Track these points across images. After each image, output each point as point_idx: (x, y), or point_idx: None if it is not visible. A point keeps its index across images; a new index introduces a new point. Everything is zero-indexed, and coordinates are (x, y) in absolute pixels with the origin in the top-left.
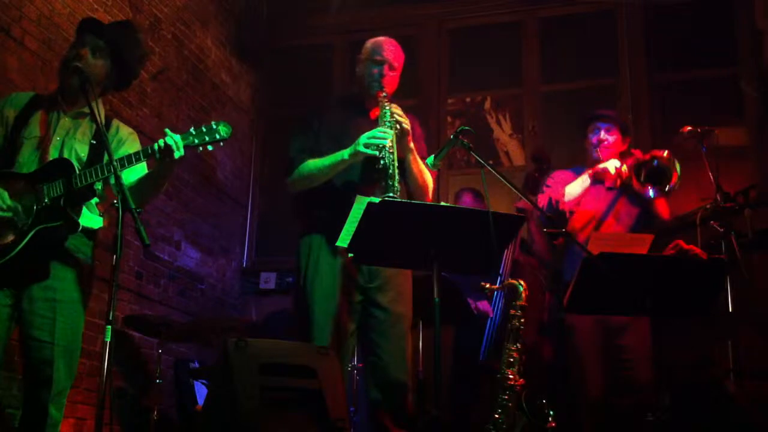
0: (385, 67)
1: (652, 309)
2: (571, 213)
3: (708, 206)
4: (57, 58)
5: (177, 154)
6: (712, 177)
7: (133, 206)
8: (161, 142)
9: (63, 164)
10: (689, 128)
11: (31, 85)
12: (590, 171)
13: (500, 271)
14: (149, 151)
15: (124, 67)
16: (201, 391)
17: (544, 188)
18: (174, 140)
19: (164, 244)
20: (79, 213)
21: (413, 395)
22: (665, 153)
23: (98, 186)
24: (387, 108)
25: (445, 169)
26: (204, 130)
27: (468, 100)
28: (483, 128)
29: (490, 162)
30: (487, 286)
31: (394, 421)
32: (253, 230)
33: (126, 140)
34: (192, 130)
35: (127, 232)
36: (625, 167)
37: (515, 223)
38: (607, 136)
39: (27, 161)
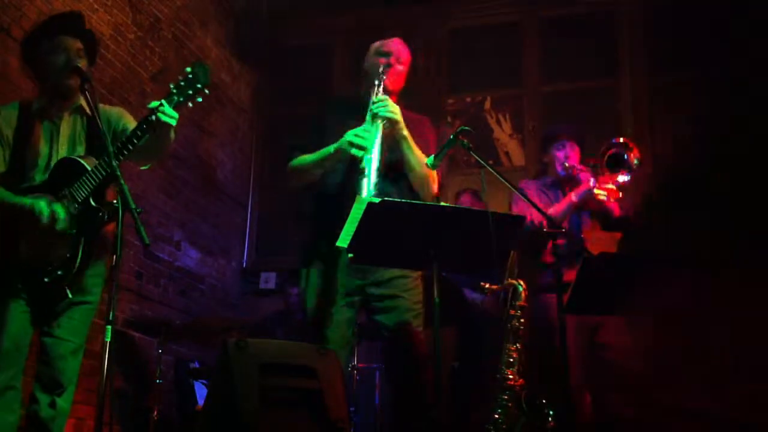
0: (392, 58)
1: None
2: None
3: None
4: None
5: (173, 123)
6: None
7: (133, 206)
8: (153, 118)
9: (72, 164)
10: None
11: (31, 85)
12: (574, 195)
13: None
14: (144, 125)
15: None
16: (201, 391)
17: (518, 201)
18: (165, 113)
19: (164, 244)
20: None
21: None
22: (615, 141)
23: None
24: (377, 99)
25: (445, 169)
26: (183, 84)
27: (468, 100)
28: (483, 128)
29: (490, 162)
30: (487, 286)
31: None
32: (253, 230)
33: (120, 119)
34: (173, 89)
35: (127, 232)
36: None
37: (515, 224)
38: (570, 152)
39: (40, 180)
